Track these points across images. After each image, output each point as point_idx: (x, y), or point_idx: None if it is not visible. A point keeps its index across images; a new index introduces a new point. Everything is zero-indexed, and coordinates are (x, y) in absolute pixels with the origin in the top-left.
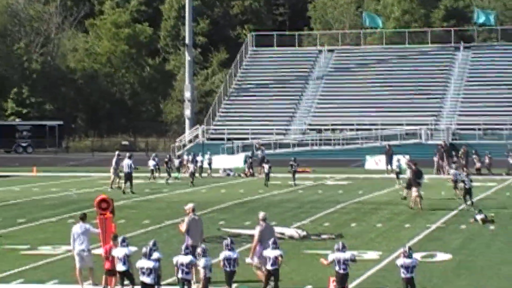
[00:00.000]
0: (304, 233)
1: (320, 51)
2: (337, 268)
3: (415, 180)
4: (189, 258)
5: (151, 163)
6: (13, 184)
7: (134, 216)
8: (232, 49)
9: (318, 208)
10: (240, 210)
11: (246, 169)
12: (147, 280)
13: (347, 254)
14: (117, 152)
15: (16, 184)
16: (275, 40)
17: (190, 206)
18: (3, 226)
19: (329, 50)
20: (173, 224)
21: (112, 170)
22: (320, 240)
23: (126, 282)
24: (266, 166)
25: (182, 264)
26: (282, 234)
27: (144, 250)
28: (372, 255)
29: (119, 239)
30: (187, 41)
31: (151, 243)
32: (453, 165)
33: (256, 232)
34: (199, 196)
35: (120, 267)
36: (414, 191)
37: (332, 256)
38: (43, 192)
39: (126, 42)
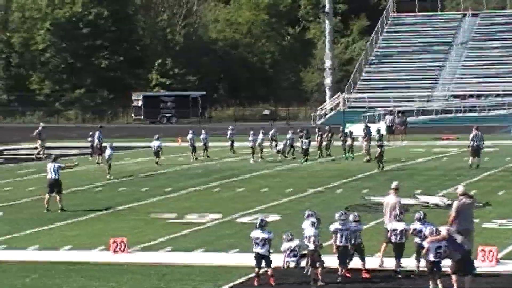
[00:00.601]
0: (450, 201)
1: (464, 16)
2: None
3: None
4: (295, 242)
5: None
6: (160, 154)
7: (277, 185)
8: (372, 16)
9: (464, 176)
10: (383, 178)
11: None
12: (261, 250)
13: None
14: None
15: (162, 154)
16: (417, 5)
17: (461, 189)
18: (151, 195)
19: (473, 15)
20: (315, 192)
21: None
22: None
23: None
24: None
25: (290, 249)
26: (427, 202)
27: (257, 221)
28: None
29: (258, 221)
30: (327, 9)
31: (260, 218)
32: None
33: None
34: (341, 165)
35: (259, 249)
36: None
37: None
38: (188, 162)
39: (266, 11)
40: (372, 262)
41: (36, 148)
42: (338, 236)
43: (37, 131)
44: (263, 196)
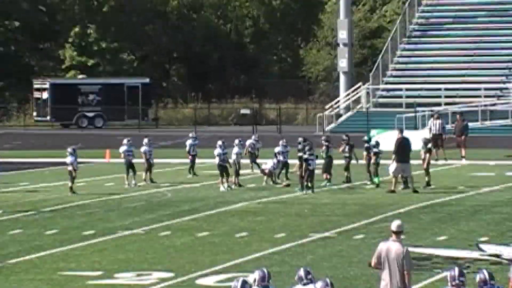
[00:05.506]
0: None
1: None
2: None
3: None
4: None
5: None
6: (76, 176)
7: (262, 227)
8: None
9: None
10: (427, 218)
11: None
12: None
13: None
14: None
15: (81, 176)
16: None
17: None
18: (61, 241)
19: None
20: (321, 238)
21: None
22: None
23: None
24: None
25: None
26: (498, 256)
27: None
28: None
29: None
30: None
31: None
32: None
33: None
34: (362, 195)
35: None
36: None
37: None
38: (121, 189)
39: None
40: None
41: None
42: None
43: None
44: (239, 244)
